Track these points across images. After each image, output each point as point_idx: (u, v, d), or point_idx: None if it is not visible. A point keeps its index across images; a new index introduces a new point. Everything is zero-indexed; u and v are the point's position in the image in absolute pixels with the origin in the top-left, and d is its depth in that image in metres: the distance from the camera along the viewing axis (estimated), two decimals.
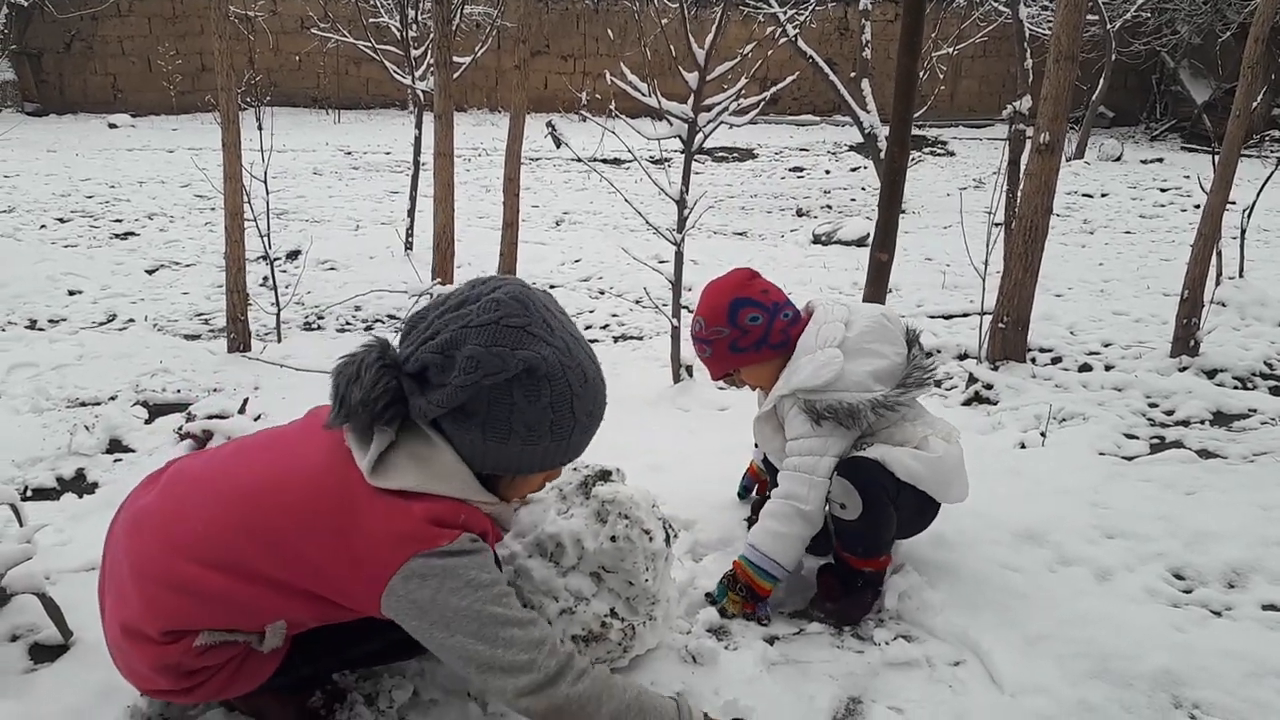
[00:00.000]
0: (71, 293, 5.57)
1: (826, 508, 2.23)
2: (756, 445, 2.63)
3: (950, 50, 9.20)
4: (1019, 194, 4.29)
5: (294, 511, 1.56)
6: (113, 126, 13.94)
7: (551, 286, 6.12)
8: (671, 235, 3.89)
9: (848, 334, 2.25)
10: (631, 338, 5.17)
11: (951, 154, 13.22)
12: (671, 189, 3.88)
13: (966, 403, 4.03)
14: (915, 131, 11.24)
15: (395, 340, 1.65)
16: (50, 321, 5.08)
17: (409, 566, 1.50)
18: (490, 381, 1.54)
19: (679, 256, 3.95)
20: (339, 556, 1.53)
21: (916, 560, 2.42)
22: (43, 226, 7.38)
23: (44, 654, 2.06)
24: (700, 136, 3.78)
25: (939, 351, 4.64)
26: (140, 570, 1.63)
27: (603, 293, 6.03)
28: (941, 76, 10.20)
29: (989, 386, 4.05)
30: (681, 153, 3.87)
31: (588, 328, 5.33)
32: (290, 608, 1.61)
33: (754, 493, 2.74)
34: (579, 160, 5.20)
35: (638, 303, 5.69)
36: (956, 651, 2.14)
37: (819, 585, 2.31)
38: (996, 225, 4.41)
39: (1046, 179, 3.94)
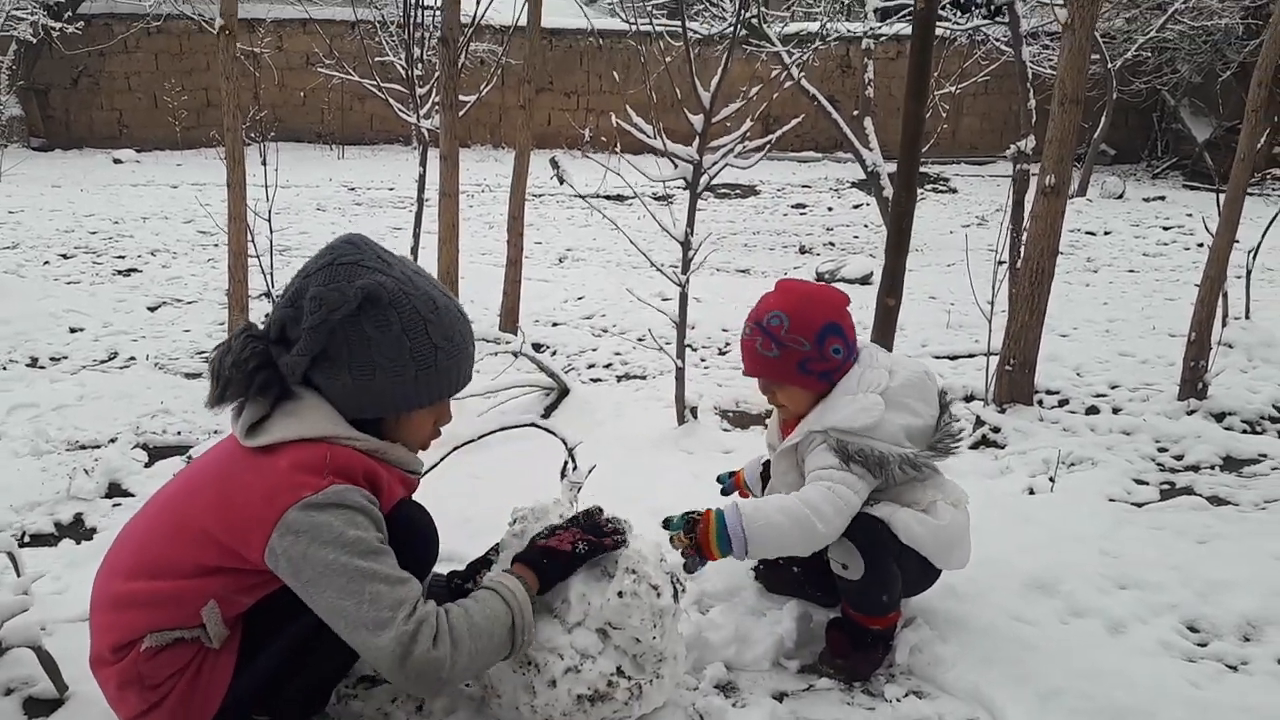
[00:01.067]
0: (73, 330, 5.56)
1: (829, 561, 2.20)
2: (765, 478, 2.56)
3: (953, 89, 9.25)
4: (1024, 235, 4.29)
5: (192, 498, 1.69)
6: (118, 162, 14.02)
7: (554, 324, 6.11)
8: (676, 276, 3.87)
9: (890, 383, 2.17)
10: (635, 377, 5.14)
11: (954, 191, 13.26)
12: (675, 228, 3.87)
13: (974, 446, 3.99)
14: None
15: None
16: (51, 359, 5.06)
17: (283, 522, 1.56)
18: (337, 316, 1.62)
19: (684, 297, 3.93)
20: (229, 524, 1.61)
21: (927, 613, 2.38)
22: (46, 263, 7.39)
23: (38, 708, 2.03)
24: (705, 178, 3.78)
25: (945, 393, 4.60)
26: (93, 605, 1.76)
27: (605, 330, 6.02)
28: (944, 114, 10.25)
29: (996, 430, 4.03)
30: (685, 189, 3.87)
31: (590, 366, 5.31)
32: (212, 587, 1.66)
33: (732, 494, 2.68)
34: (581, 197, 5.22)
35: (640, 340, 5.67)
36: (969, 708, 2.10)
37: (828, 640, 2.26)
38: (1001, 264, 4.40)
39: (1052, 222, 3.94)
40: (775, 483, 2.36)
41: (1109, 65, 11.60)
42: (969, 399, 4.50)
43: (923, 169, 13.67)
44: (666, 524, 2.09)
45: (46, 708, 2.02)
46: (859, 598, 2.19)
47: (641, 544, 1.98)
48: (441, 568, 2.58)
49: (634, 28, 5.81)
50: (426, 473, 2.70)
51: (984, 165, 15.51)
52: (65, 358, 5.08)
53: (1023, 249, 4.26)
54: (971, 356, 5.18)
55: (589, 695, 1.85)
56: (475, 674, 1.76)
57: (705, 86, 3.70)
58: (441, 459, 2.86)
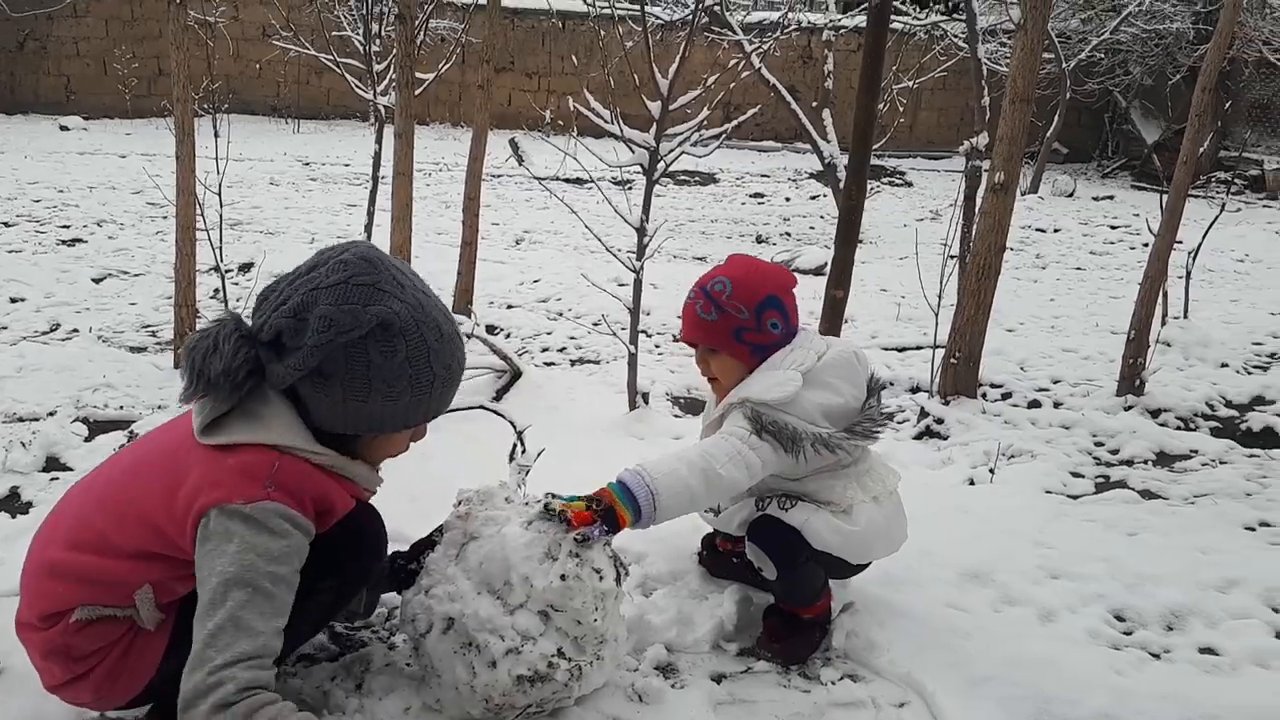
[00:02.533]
0: (14, 300, 5.43)
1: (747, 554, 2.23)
2: None
3: (911, 84, 9.34)
4: (974, 231, 4.36)
5: (140, 480, 1.66)
6: (64, 129, 13.66)
7: (509, 306, 6.09)
8: (631, 262, 3.89)
9: (815, 364, 2.18)
10: (589, 361, 5.15)
11: (909, 185, 13.42)
12: (633, 214, 3.88)
13: (918, 437, 4.07)
14: (874, 162, 11.38)
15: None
16: None
17: (207, 516, 1.54)
18: (345, 339, 1.59)
19: (638, 284, 3.94)
20: (172, 514, 1.59)
21: (864, 599, 2.43)
22: None
23: None
24: (662, 165, 3.79)
25: (892, 384, 4.68)
26: (25, 570, 1.73)
27: (561, 314, 6.01)
28: (901, 109, 10.35)
29: (940, 421, 4.10)
30: (643, 175, 3.88)
31: (544, 349, 5.30)
32: (148, 572, 1.64)
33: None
34: (539, 180, 5.19)
35: (595, 325, 5.67)
36: (902, 692, 2.15)
37: (765, 625, 2.31)
38: (952, 258, 4.47)
39: (1000, 218, 4.01)
40: None
41: (1063, 65, 11.78)
42: (915, 390, 4.58)
43: (879, 162, 13.89)
44: (547, 508, 1.93)
45: None
46: (781, 593, 2.26)
47: (587, 526, 1.98)
48: (390, 547, 2.59)
49: (595, 10, 5.79)
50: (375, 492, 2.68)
51: (940, 160, 15.70)
52: (4, 328, 4.96)
53: (972, 244, 4.34)
54: (920, 349, 5.27)
55: (529, 676, 1.87)
56: None
57: (665, 73, 3.70)
58: None
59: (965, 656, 2.23)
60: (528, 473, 2.55)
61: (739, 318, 2.16)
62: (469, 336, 4.08)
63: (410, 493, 2.82)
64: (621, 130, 3.71)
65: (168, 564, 1.64)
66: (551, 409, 4.01)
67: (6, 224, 7.47)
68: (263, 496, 1.56)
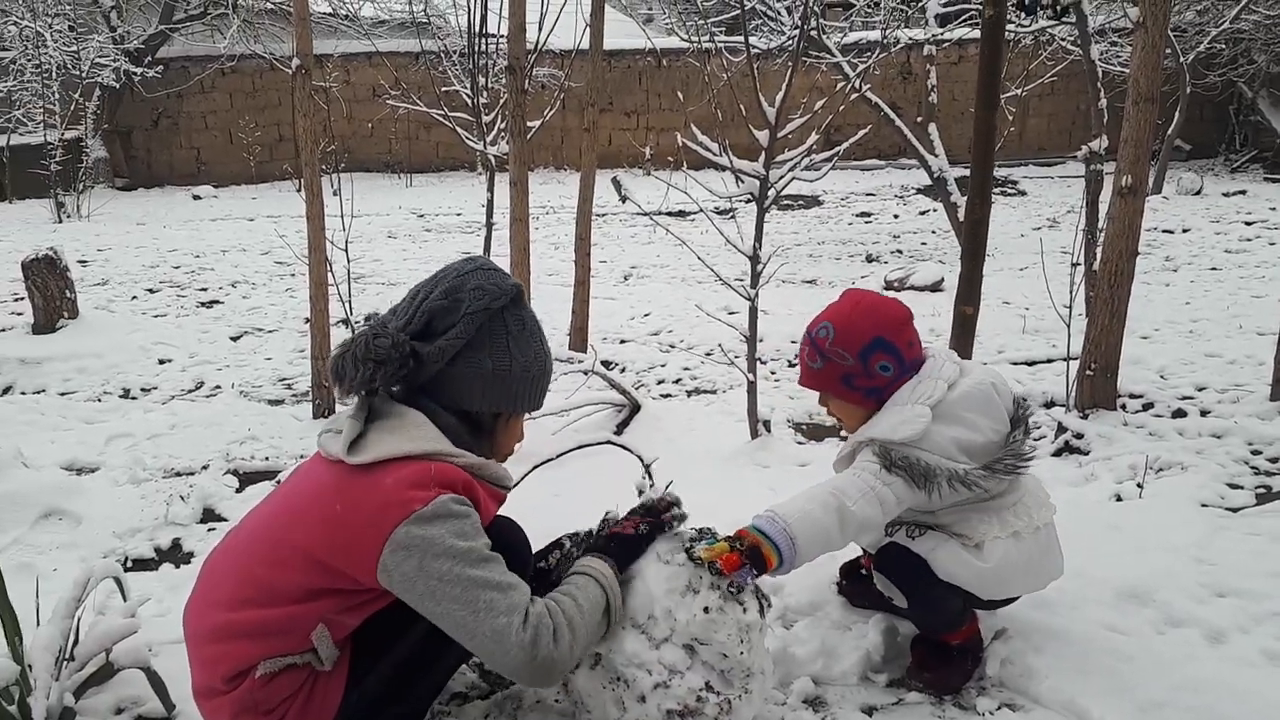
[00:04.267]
0: (162, 361, 5.77)
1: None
2: None
3: (1019, 91, 9.10)
4: (1100, 237, 4.20)
5: (294, 524, 1.72)
6: (197, 198, 14.51)
7: (622, 341, 6.14)
8: (745, 290, 3.88)
9: (948, 394, 2.09)
10: (705, 391, 5.15)
11: (1023, 194, 13.03)
12: (742, 243, 3.88)
13: (1056, 453, 3.91)
14: None
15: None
16: (143, 390, 5.25)
17: (393, 538, 1.61)
18: (497, 305, 1.79)
19: (754, 312, 3.93)
20: (335, 545, 1.66)
21: (1018, 624, 2.34)
22: (134, 298, 7.68)
23: None
24: (772, 193, 3.78)
25: (1025, 407, 4.51)
26: (193, 638, 1.80)
27: (673, 346, 6.03)
28: (1010, 117, 10.11)
29: (1079, 436, 3.93)
30: (748, 202, 3.87)
31: (660, 382, 5.32)
32: (320, 610, 1.70)
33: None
34: (645, 214, 5.24)
35: (709, 355, 5.67)
36: None
37: (913, 654, 2.24)
38: (1075, 266, 4.31)
39: (1130, 222, 3.85)
40: None
41: (1181, 59, 11.30)
42: (1049, 405, 4.41)
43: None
44: (691, 539, 1.97)
45: None
46: (919, 620, 2.19)
47: None
48: (532, 557, 2.63)
49: (694, 45, 5.85)
50: (511, 488, 2.76)
51: (1052, 166, 15.19)
52: (155, 388, 5.28)
53: (1099, 251, 4.17)
54: (1050, 362, 5.08)
55: (678, 710, 1.86)
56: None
57: (770, 101, 3.71)
58: (523, 476, 2.90)
59: (1131, 681, 2.12)
60: None
61: (844, 365, 2.12)
62: (588, 374, 4.15)
63: (547, 530, 2.86)
64: (731, 161, 3.73)
65: (336, 597, 1.70)
66: (671, 440, 4.02)
67: (151, 290, 7.96)
68: (433, 496, 1.65)
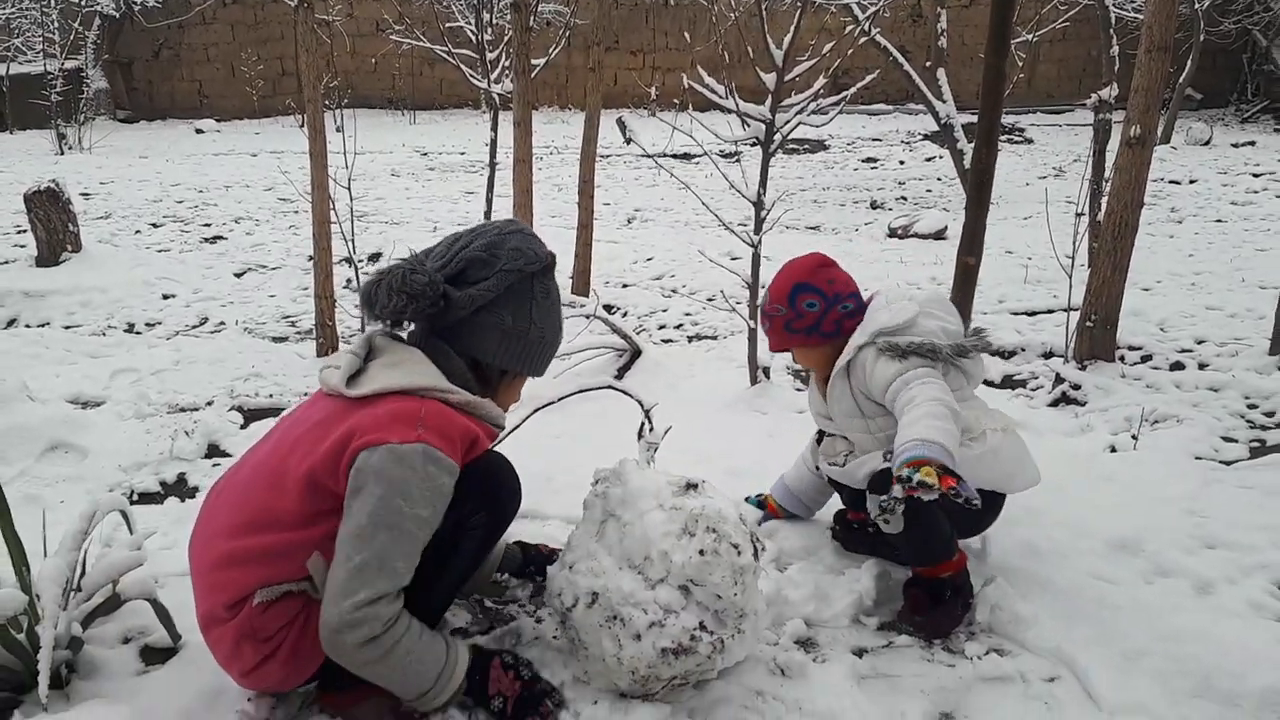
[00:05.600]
0: (165, 296, 5.78)
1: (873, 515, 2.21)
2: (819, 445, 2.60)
3: (1030, 37, 8.94)
4: (1106, 187, 4.17)
5: (293, 451, 1.78)
6: (199, 131, 14.39)
7: (624, 285, 6.14)
8: (748, 236, 3.87)
9: (916, 297, 2.39)
10: (706, 337, 5.16)
11: (1029, 141, 12.90)
12: (747, 188, 3.86)
13: (1053, 404, 3.93)
14: None
15: None
16: (147, 325, 5.27)
17: (364, 453, 1.68)
18: (531, 269, 1.87)
19: (756, 258, 3.93)
20: (324, 457, 1.71)
21: (1007, 571, 2.39)
22: (137, 232, 7.66)
23: (154, 656, 2.15)
24: (778, 137, 3.75)
25: (1023, 350, 4.53)
26: (196, 568, 1.86)
27: (675, 291, 6.03)
28: (1020, 63, 9.94)
29: (1076, 387, 3.96)
30: (754, 146, 3.84)
31: (661, 327, 5.33)
32: (316, 535, 1.75)
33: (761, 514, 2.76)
34: (649, 157, 5.20)
35: (710, 300, 5.67)
36: (1051, 667, 2.11)
37: (906, 597, 2.28)
38: (1080, 216, 4.29)
39: (1137, 173, 3.83)
40: (828, 412, 2.46)
41: (1196, 5, 11.10)
42: (1048, 355, 4.42)
43: None
44: (902, 481, 1.87)
45: (161, 655, 2.15)
46: (909, 551, 2.24)
47: (721, 503, 2.01)
48: (525, 525, 2.68)
49: None
50: (509, 433, 2.79)
51: (1061, 114, 15.03)
52: (160, 323, 5.29)
53: (1104, 201, 4.15)
54: (1050, 312, 5.08)
55: (673, 648, 1.91)
56: (369, 679, 1.77)
57: (778, 44, 3.66)
58: (523, 420, 2.93)
59: (1117, 630, 2.16)
60: (656, 449, 2.59)
61: (780, 315, 2.40)
62: (590, 318, 4.16)
63: (545, 474, 2.91)
64: (737, 104, 3.69)
65: (329, 522, 1.74)
66: (672, 386, 4.05)
67: (155, 225, 7.94)
68: (414, 438, 1.69)
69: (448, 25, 7.18)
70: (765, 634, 2.19)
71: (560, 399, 2.95)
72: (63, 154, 12.17)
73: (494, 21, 6.52)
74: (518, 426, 2.88)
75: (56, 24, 13.57)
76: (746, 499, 2.78)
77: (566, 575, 2.03)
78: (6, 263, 6.22)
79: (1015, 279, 6.03)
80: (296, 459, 1.76)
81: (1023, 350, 4.54)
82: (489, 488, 1.87)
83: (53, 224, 6.01)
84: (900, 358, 2.22)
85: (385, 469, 1.66)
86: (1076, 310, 4.19)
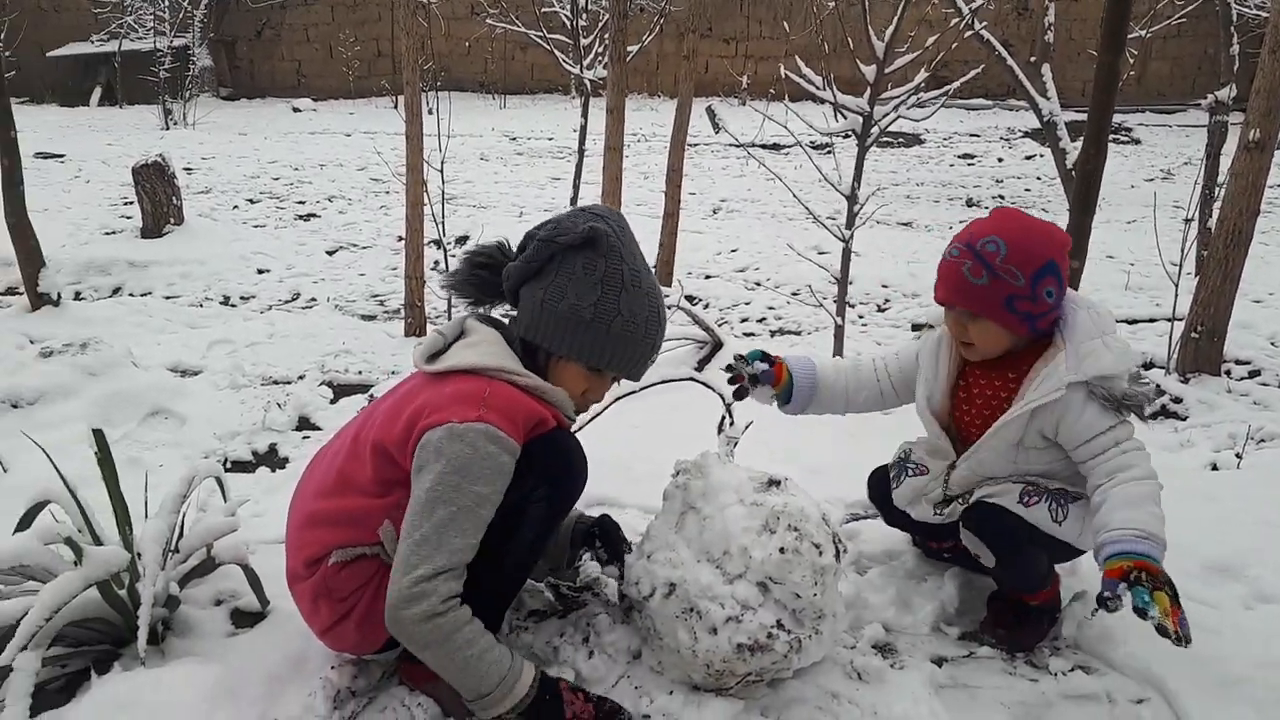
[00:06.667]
0: (260, 271, 5.95)
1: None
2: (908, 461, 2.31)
3: (1142, 34, 8.61)
4: (1219, 193, 4.00)
5: (376, 420, 1.85)
6: (296, 110, 14.78)
7: (707, 276, 6.11)
8: (840, 231, 3.81)
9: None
10: (789, 332, 5.11)
11: (1137, 142, 12.44)
12: (840, 181, 3.79)
13: (1152, 416, 3.79)
14: None
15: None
16: (242, 298, 5.44)
17: (427, 435, 1.71)
18: (564, 240, 1.81)
19: (847, 253, 3.87)
20: (395, 433, 1.77)
21: (1097, 586, 2.30)
22: (235, 207, 7.91)
23: (244, 619, 2.22)
24: (875, 131, 3.68)
25: None
26: (288, 526, 1.94)
27: (759, 284, 5.98)
28: (1130, 60, 9.59)
29: (1178, 400, 3.81)
30: (846, 138, 3.77)
31: (744, 320, 5.30)
32: (388, 505, 1.80)
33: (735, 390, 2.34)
34: (739, 146, 5.15)
35: (795, 294, 5.61)
36: (1140, 688, 2.03)
37: (989, 609, 2.22)
38: (1188, 221, 4.12)
39: (1255, 179, 3.66)
40: (982, 450, 2.10)
41: None
42: (1148, 366, 4.27)
43: None
44: (1139, 610, 1.75)
45: (250, 619, 2.22)
46: (1002, 580, 2.16)
47: (804, 501, 1.98)
48: (601, 511, 2.68)
49: None
50: (589, 422, 2.79)
51: (1172, 114, 14.43)
52: (254, 297, 5.46)
53: (1217, 208, 3.97)
54: (1152, 321, 4.90)
55: (749, 645, 1.89)
56: (431, 666, 1.76)
57: (880, 38, 3.59)
58: (602, 409, 2.94)
59: (1213, 655, 2.07)
60: (736, 444, 2.56)
61: (1013, 284, 1.91)
62: (673, 309, 4.15)
63: (624, 464, 2.91)
64: (834, 96, 3.63)
65: (402, 492, 1.78)
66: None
67: (252, 200, 8.18)
68: (475, 418, 1.71)
69: (543, 9, 7.23)
70: (843, 636, 2.15)
71: (640, 389, 2.95)
72: (168, 129, 12.63)
73: (588, 6, 6.53)
74: (596, 416, 2.89)
75: (167, 3, 14.06)
76: (748, 355, 2.33)
77: (644, 564, 2.03)
78: (114, 233, 6.48)
79: (1116, 285, 5.83)
80: (376, 430, 1.82)
81: None
82: (552, 464, 1.87)
83: (158, 197, 6.24)
84: (1114, 410, 1.93)
85: (445, 447, 1.69)
86: (1181, 320, 4.03)
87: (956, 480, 2.17)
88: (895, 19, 3.57)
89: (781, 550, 1.90)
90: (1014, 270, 1.91)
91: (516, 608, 2.19)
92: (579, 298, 1.82)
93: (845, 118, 3.72)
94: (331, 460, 1.92)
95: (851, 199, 3.76)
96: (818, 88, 3.66)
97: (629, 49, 5.95)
